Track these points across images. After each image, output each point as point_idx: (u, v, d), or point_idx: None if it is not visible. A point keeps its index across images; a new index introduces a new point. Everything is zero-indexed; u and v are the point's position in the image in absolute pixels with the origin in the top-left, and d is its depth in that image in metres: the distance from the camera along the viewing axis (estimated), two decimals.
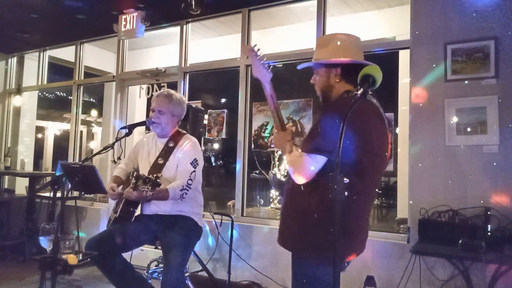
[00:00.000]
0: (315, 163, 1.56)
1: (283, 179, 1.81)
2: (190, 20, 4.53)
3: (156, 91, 4.69)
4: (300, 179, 1.61)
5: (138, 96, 5.77)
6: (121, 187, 2.65)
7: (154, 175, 2.27)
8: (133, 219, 2.61)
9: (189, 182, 2.50)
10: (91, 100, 9.51)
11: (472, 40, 2.96)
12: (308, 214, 1.62)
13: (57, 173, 3.89)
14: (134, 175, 2.56)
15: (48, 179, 5.48)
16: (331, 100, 1.74)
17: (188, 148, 2.63)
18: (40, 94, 6.79)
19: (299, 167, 1.60)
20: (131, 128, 2.61)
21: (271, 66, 1.70)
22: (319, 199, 1.58)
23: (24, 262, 4.41)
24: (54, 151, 8.44)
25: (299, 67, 1.87)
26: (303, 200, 1.65)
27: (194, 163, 2.56)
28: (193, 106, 3.62)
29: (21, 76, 6.07)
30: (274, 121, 1.83)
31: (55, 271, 1.94)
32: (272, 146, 1.80)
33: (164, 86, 4.70)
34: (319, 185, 1.57)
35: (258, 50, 1.66)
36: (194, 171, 2.54)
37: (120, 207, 2.55)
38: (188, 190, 2.50)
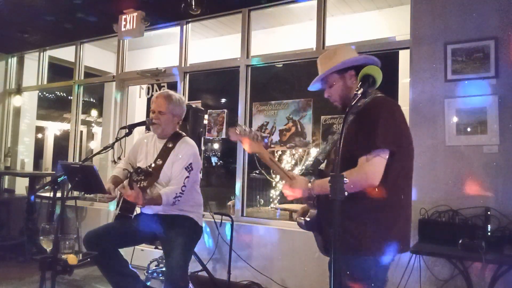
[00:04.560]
0: (384, 160, 1.56)
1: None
2: (190, 20, 4.53)
3: (156, 91, 4.69)
4: (373, 185, 1.57)
5: (138, 96, 5.77)
6: (118, 188, 2.64)
7: (146, 166, 2.37)
8: (133, 215, 2.60)
9: (183, 188, 2.48)
10: (91, 100, 9.50)
11: (472, 40, 2.96)
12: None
13: (57, 173, 3.88)
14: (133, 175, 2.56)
15: (48, 179, 5.48)
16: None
17: (184, 152, 2.59)
18: (40, 94, 6.78)
19: (369, 174, 1.56)
20: (131, 128, 2.61)
21: (264, 135, 1.73)
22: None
23: (24, 262, 4.41)
24: (54, 151, 8.45)
25: (311, 88, 1.89)
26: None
27: (189, 168, 2.53)
28: (193, 106, 3.62)
29: (21, 76, 6.06)
30: (280, 176, 1.76)
31: (55, 271, 1.94)
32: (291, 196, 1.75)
33: (164, 86, 4.70)
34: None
35: (243, 128, 1.72)
36: (188, 176, 2.52)
37: (120, 205, 2.55)
38: (181, 197, 2.48)
